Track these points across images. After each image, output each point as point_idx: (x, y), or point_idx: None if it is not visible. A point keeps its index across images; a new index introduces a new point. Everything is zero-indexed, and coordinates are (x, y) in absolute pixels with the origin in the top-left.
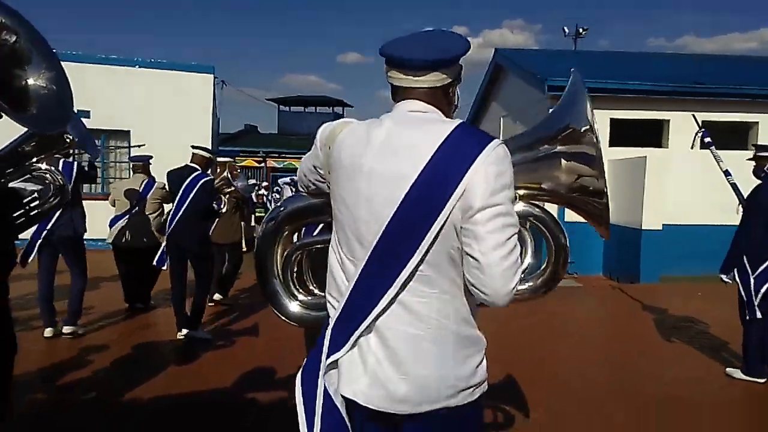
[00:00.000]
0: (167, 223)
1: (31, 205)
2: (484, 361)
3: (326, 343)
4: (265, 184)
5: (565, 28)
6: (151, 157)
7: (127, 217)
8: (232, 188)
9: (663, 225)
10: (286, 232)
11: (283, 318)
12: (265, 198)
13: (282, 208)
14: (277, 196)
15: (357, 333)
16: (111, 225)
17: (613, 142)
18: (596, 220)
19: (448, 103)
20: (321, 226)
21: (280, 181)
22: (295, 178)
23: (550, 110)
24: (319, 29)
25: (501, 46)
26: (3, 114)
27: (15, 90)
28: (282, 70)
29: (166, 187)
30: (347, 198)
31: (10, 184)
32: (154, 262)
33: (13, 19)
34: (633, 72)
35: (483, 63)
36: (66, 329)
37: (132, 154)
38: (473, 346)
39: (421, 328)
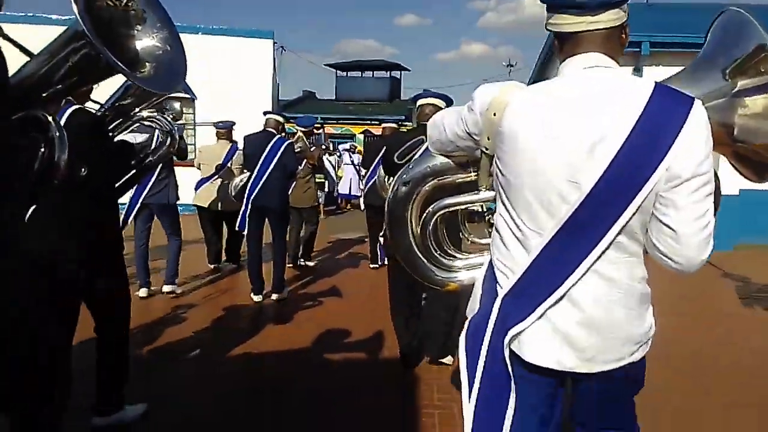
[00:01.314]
0: (249, 188)
1: (142, 154)
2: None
3: (497, 311)
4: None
5: None
6: (234, 123)
7: (212, 180)
8: (310, 154)
9: (740, 190)
10: (421, 194)
11: (423, 281)
12: (327, 163)
13: (415, 170)
14: (336, 161)
15: (547, 303)
16: (197, 188)
17: None
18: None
19: (621, 45)
20: None
21: (339, 147)
22: (351, 145)
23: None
24: None
25: None
26: (124, 75)
27: (131, 51)
28: (339, 35)
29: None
30: (530, 167)
31: (119, 137)
32: (237, 226)
33: None
34: (688, 25)
35: (542, 23)
36: (166, 288)
37: (199, 123)
38: (648, 300)
39: (613, 293)
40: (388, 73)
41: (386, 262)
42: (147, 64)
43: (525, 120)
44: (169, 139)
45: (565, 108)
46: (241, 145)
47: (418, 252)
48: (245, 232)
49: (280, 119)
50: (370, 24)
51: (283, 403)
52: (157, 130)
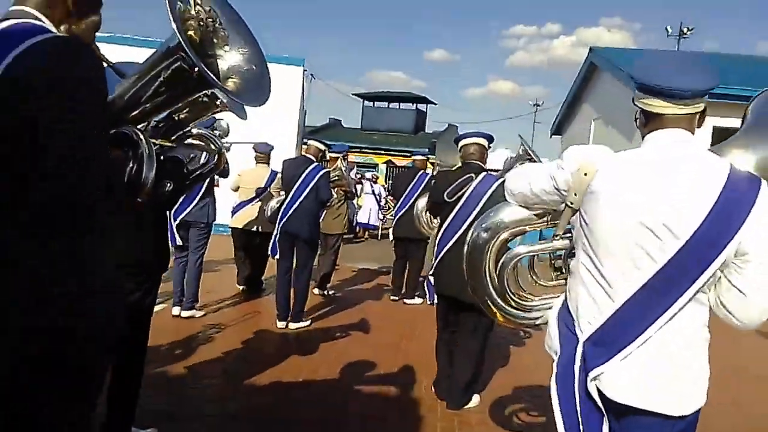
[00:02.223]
0: (282, 212)
1: (190, 168)
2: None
3: (580, 354)
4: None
5: (668, 27)
6: (272, 147)
7: (251, 204)
8: (345, 181)
9: None
10: (500, 241)
11: (497, 320)
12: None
13: (495, 218)
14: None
15: (631, 347)
16: (234, 211)
17: None
18: None
19: (699, 126)
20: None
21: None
22: (373, 174)
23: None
24: (407, 24)
25: (596, 46)
26: (215, 87)
27: (218, 69)
28: (368, 66)
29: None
30: (618, 223)
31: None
32: (269, 251)
33: (215, 1)
34: (740, 77)
35: (575, 64)
36: (185, 314)
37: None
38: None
39: (686, 338)
40: (414, 105)
41: (435, 301)
42: (232, 80)
43: (615, 181)
44: (217, 157)
45: (653, 174)
46: (279, 169)
47: (494, 293)
48: (276, 257)
49: (321, 146)
50: (400, 57)
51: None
52: (206, 150)
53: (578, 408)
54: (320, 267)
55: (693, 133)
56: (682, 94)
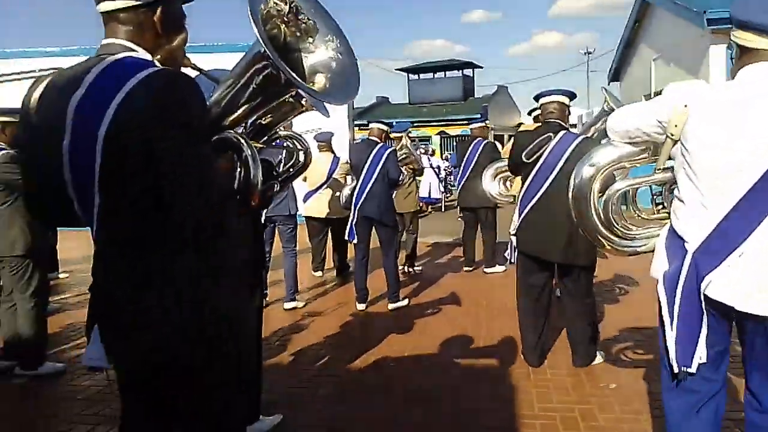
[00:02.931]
0: (355, 197)
1: (279, 170)
2: None
3: (688, 264)
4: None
5: None
6: (332, 134)
7: (320, 191)
8: (413, 158)
9: None
10: (604, 175)
11: (609, 250)
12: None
13: (604, 155)
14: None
15: (733, 256)
16: (305, 200)
17: None
18: None
19: None
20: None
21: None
22: (428, 147)
23: None
24: None
25: None
26: (303, 91)
27: (306, 65)
28: (408, 38)
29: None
30: (717, 148)
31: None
32: (346, 236)
33: None
34: None
35: (625, 4)
36: (287, 305)
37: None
38: None
39: None
40: (460, 72)
41: (514, 261)
42: (321, 76)
43: (710, 111)
44: (304, 155)
45: (749, 103)
46: (342, 156)
47: (600, 225)
48: (354, 242)
49: (384, 127)
50: (438, 23)
51: (386, 401)
52: (294, 150)
53: (679, 308)
54: (404, 246)
55: None
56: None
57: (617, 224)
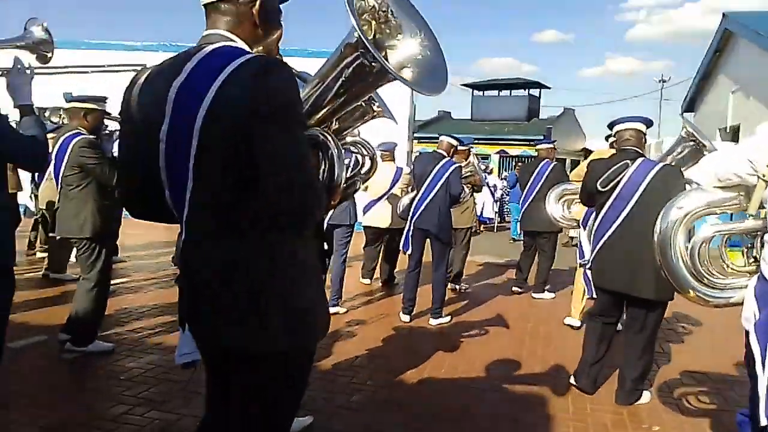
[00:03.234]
0: (413, 208)
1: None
2: None
3: None
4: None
5: None
6: (395, 144)
7: (381, 201)
8: (477, 176)
9: None
10: (689, 221)
11: (695, 299)
12: None
13: (694, 199)
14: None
15: None
16: (366, 210)
17: None
18: None
19: None
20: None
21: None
22: (486, 164)
23: None
24: (513, 6)
25: (729, 11)
26: (398, 79)
27: (395, 60)
28: (476, 55)
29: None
30: None
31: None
32: (401, 246)
33: None
34: None
35: (705, 33)
36: (331, 309)
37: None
38: None
39: None
40: (526, 91)
41: (594, 295)
42: (407, 70)
43: None
44: (370, 162)
45: None
46: (404, 167)
47: (685, 271)
48: (408, 252)
49: (454, 142)
50: (508, 42)
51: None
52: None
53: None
54: (452, 262)
55: None
56: None
57: (705, 273)
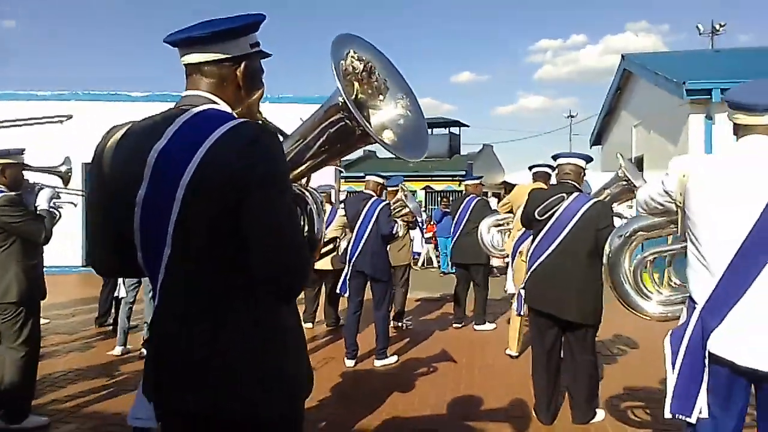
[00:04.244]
0: (350, 251)
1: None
2: None
3: (695, 320)
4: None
5: (699, 25)
6: (332, 186)
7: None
8: (408, 211)
9: None
10: (634, 245)
11: (639, 314)
12: None
13: (631, 226)
14: None
15: (734, 311)
16: None
17: None
18: None
19: None
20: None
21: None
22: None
23: None
24: (429, 50)
25: (626, 52)
26: (378, 143)
27: (377, 121)
28: None
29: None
30: (711, 214)
31: None
32: (338, 289)
33: (370, 52)
34: None
35: (604, 72)
36: None
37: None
38: None
39: None
40: (447, 129)
41: (522, 312)
42: (389, 131)
43: (708, 178)
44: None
45: (737, 172)
46: (338, 208)
47: (630, 290)
48: (346, 295)
49: (380, 180)
50: (427, 83)
51: None
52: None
53: (681, 362)
54: (394, 300)
55: None
56: (755, 108)
57: (647, 290)
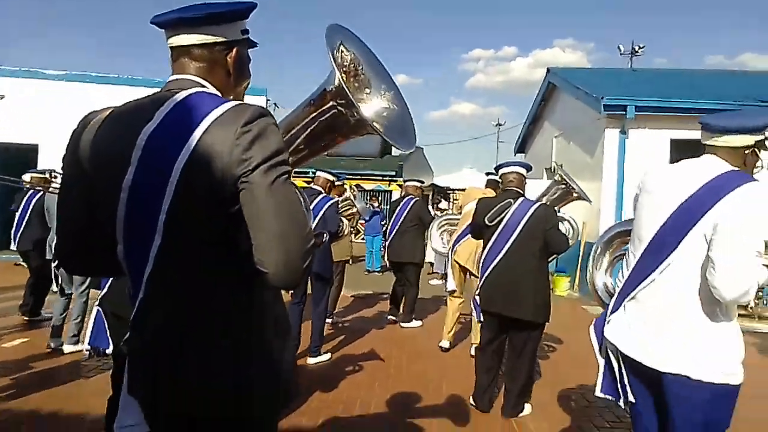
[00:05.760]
0: None
1: None
2: (731, 350)
3: (611, 307)
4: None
5: (621, 46)
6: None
7: None
8: (355, 209)
9: None
10: (615, 246)
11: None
12: None
13: (611, 230)
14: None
15: (624, 301)
16: None
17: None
18: None
19: (745, 164)
20: None
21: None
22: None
23: None
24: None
25: (553, 66)
26: (373, 130)
27: (367, 112)
28: None
29: None
30: (642, 215)
31: None
32: None
33: (356, 45)
34: (694, 90)
35: (533, 84)
36: None
37: None
38: (713, 329)
39: (668, 302)
40: None
41: (481, 319)
42: (378, 124)
43: (648, 185)
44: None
45: (672, 180)
46: None
47: (602, 281)
48: (290, 292)
49: (330, 177)
50: None
51: None
52: None
53: (599, 347)
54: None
55: (735, 164)
56: (709, 128)
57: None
